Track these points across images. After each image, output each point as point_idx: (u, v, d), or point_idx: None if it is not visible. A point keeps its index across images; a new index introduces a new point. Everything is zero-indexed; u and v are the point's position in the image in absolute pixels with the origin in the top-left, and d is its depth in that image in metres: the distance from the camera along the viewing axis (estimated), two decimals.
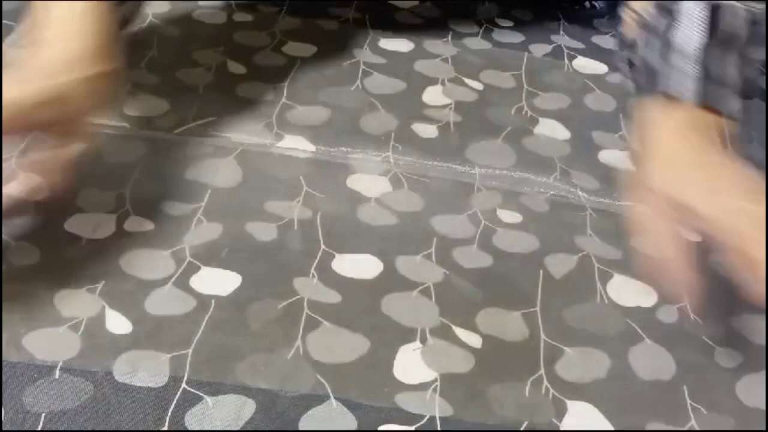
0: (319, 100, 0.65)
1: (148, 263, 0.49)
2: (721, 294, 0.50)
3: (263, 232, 0.53)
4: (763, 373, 0.48)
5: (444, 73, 0.71)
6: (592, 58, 0.76)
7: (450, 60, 0.73)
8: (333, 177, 0.58)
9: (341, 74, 0.69)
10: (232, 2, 0.76)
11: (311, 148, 0.60)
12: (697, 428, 0.44)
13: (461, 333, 0.48)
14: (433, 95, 0.68)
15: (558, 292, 0.51)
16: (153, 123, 0.60)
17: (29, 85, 0.47)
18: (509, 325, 0.49)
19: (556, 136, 0.66)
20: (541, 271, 0.53)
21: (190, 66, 0.67)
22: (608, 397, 0.45)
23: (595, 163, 0.63)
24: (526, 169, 0.61)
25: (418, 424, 0.43)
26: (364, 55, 0.72)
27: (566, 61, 0.76)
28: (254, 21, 0.75)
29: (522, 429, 0.43)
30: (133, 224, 0.52)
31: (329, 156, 0.60)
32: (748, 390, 0.47)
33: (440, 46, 0.75)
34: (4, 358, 0.42)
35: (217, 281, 0.49)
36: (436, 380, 0.45)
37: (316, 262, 0.51)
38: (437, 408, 0.43)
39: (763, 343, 0.50)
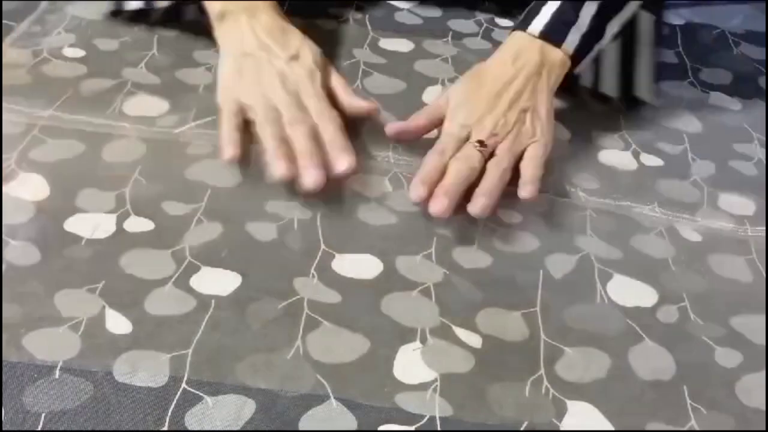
0: None
1: (148, 263, 0.49)
2: None
3: (263, 232, 0.53)
4: (763, 373, 0.48)
5: (444, 73, 0.71)
6: None
7: (450, 60, 0.73)
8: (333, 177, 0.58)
9: (341, 74, 0.69)
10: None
11: None
12: (697, 428, 0.44)
13: (461, 333, 0.48)
14: (433, 95, 0.68)
15: (558, 292, 0.51)
16: (153, 123, 0.60)
17: None
18: (509, 325, 0.49)
19: (555, 136, 0.65)
20: (541, 271, 0.53)
21: (190, 66, 0.67)
22: (608, 397, 0.45)
23: (595, 163, 0.63)
24: None
25: (418, 424, 0.43)
26: (364, 55, 0.72)
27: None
28: None
29: (522, 429, 0.43)
30: (133, 224, 0.52)
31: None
32: (748, 390, 0.47)
33: (440, 46, 0.75)
34: (4, 358, 0.42)
35: (217, 281, 0.49)
36: (436, 380, 0.45)
37: (316, 262, 0.51)
38: (437, 408, 0.43)
39: (763, 343, 0.50)
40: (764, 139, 0.68)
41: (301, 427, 0.42)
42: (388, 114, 0.61)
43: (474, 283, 0.51)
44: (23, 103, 0.60)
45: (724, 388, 0.47)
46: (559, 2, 0.63)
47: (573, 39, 0.62)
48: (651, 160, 0.65)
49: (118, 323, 0.45)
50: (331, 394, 0.43)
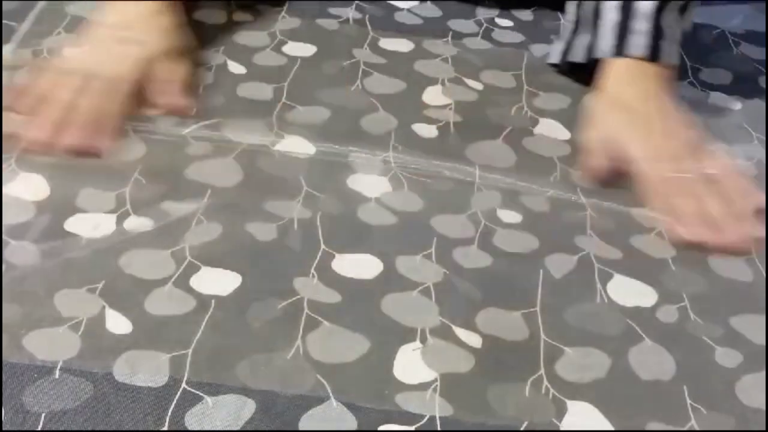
0: (319, 100, 0.65)
1: (148, 263, 0.49)
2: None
3: (263, 232, 0.53)
4: (763, 373, 0.48)
5: (444, 73, 0.71)
6: None
7: (450, 60, 0.73)
8: (333, 177, 0.58)
9: (341, 74, 0.69)
10: (232, 2, 0.76)
11: (311, 148, 0.60)
12: (697, 428, 0.44)
13: (461, 333, 0.48)
14: (433, 95, 0.68)
15: (558, 292, 0.51)
16: (153, 123, 0.60)
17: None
18: (509, 325, 0.49)
19: (556, 136, 0.66)
20: (541, 271, 0.53)
21: (190, 66, 0.67)
22: (608, 397, 0.45)
23: None
24: (526, 169, 0.61)
25: (418, 424, 0.43)
26: (364, 55, 0.72)
27: None
28: (254, 21, 0.75)
29: (522, 429, 0.43)
30: (133, 224, 0.52)
31: (329, 156, 0.60)
32: (748, 390, 0.47)
33: (440, 46, 0.75)
34: (4, 358, 0.42)
35: (217, 281, 0.49)
36: (436, 380, 0.45)
37: (316, 262, 0.51)
38: (437, 408, 0.43)
39: (763, 343, 0.50)
40: (764, 139, 0.68)
41: (301, 427, 0.42)
42: None
43: (474, 283, 0.51)
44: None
45: (724, 388, 0.47)
46: (647, 19, 0.66)
47: (670, 51, 0.66)
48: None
49: (118, 323, 0.45)
50: (331, 394, 0.43)
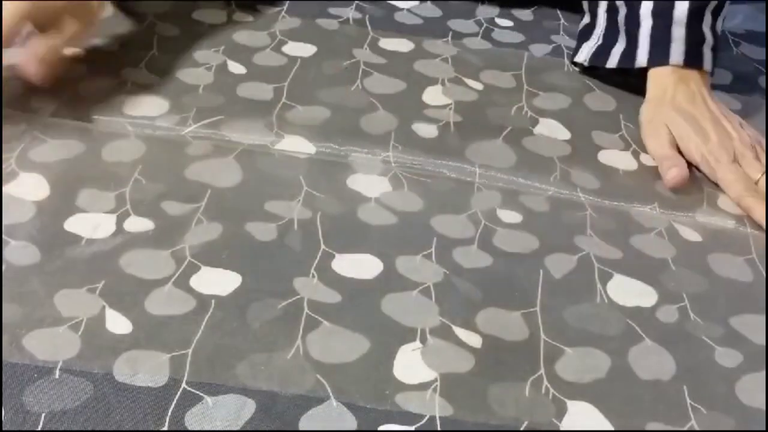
0: (319, 100, 0.65)
1: (148, 263, 0.49)
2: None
3: (263, 232, 0.53)
4: (763, 373, 0.48)
5: (444, 73, 0.71)
6: None
7: (450, 60, 0.73)
8: (333, 177, 0.58)
9: (341, 74, 0.69)
10: (232, 2, 0.76)
11: (311, 148, 0.60)
12: (697, 428, 0.44)
13: (461, 333, 0.48)
14: (433, 95, 0.68)
15: (558, 292, 0.51)
16: (153, 123, 0.60)
17: None
18: (509, 325, 0.49)
19: (556, 136, 0.66)
20: (541, 271, 0.53)
21: (190, 66, 0.67)
22: (608, 397, 0.45)
23: (595, 163, 0.63)
24: (526, 169, 0.61)
25: (418, 424, 0.43)
26: (364, 55, 0.72)
27: (566, 61, 0.76)
28: (254, 21, 0.75)
29: (522, 429, 0.43)
30: (133, 224, 0.52)
31: (329, 156, 0.60)
32: (748, 390, 0.47)
33: (440, 46, 0.75)
34: (4, 358, 0.42)
35: (217, 281, 0.49)
36: (436, 380, 0.45)
37: (316, 262, 0.51)
38: (437, 408, 0.43)
39: (763, 343, 0.50)
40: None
41: (301, 427, 0.42)
42: None
43: (474, 283, 0.51)
44: (24, 103, 0.60)
45: (724, 388, 0.47)
46: (682, 24, 0.68)
47: (708, 57, 0.68)
48: (651, 161, 0.65)
49: (118, 323, 0.45)
50: (331, 394, 0.43)
